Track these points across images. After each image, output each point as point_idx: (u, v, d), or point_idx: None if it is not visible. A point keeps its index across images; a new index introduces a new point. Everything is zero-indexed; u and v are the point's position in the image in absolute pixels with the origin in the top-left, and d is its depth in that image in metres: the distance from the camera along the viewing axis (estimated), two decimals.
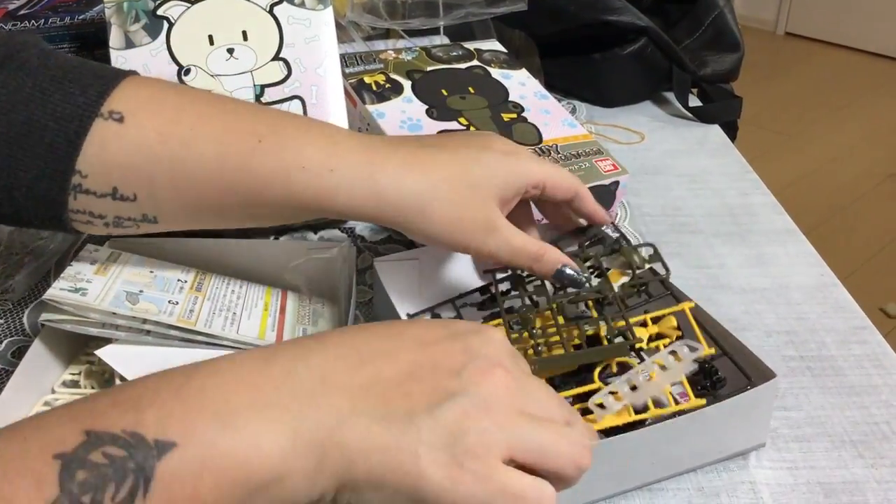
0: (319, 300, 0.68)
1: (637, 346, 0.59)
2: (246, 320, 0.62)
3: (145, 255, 0.66)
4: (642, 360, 0.57)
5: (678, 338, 0.62)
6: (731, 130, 1.14)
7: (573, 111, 1.11)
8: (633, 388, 0.56)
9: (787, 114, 3.16)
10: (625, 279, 0.65)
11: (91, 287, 0.59)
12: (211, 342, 0.60)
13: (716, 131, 1.08)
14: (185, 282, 0.64)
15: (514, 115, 0.88)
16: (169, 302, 0.61)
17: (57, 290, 0.58)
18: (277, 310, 0.65)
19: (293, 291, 0.69)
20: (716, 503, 0.56)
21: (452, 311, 0.68)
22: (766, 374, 0.57)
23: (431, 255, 0.71)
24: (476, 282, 0.71)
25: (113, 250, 0.65)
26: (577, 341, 0.59)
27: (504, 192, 0.58)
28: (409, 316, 0.65)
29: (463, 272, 0.71)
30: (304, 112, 0.80)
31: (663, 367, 0.59)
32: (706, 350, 0.59)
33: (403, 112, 0.85)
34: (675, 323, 0.63)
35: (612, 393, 0.55)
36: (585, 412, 0.56)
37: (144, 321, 0.59)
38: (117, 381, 0.58)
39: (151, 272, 0.64)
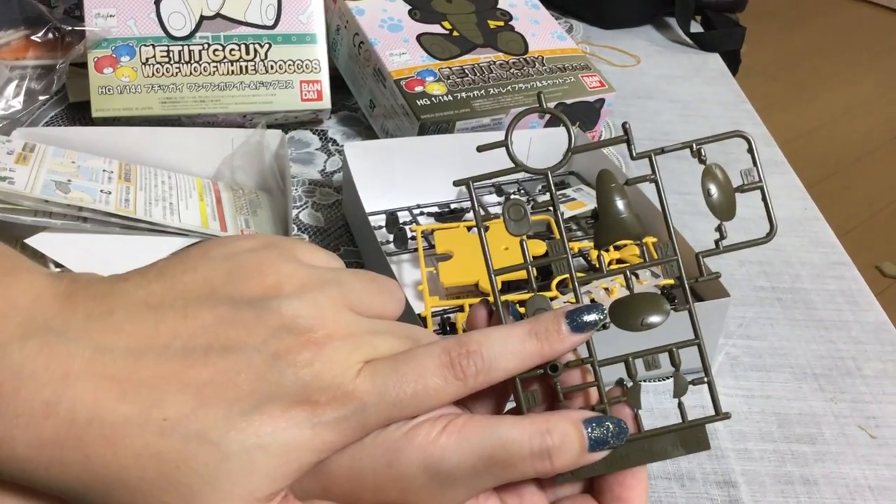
0: (254, 191, 0.65)
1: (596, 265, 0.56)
2: (184, 210, 0.59)
3: (62, 146, 0.62)
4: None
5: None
6: (734, 63, 1.10)
7: (570, 30, 1.06)
8: (592, 300, 0.54)
9: (803, 65, 3.08)
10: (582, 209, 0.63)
11: (16, 176, 0.56)
12: (154, 229, 0.58)
13: (715, 60, 1.03)
14: (112, 172, 0.61)
15: (501, 23, 0.84)
16: (101, 191, 0.58)
17: None
18: (214, 200, 0.62)
19: (222, 181, 0.66)
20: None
21: (409, 216, 0.65)
22: (720, 294, 0.54)
23: (409, 146, 0.68)
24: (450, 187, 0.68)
25: (27, 141, 0.60)
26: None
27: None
28: (368, 214, 0.62)
29: (441, 171, 0.68)
30: (279, 5, 0.76)
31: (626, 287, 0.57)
32: (665, 280, 0.57)
33: (385, 11, 0.80)
34: (636, 251, 0.60)
35: (569, 302, 0.53)
36: None
37: (80, 209, 0.56)
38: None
39: (73, 162, 0.60)
